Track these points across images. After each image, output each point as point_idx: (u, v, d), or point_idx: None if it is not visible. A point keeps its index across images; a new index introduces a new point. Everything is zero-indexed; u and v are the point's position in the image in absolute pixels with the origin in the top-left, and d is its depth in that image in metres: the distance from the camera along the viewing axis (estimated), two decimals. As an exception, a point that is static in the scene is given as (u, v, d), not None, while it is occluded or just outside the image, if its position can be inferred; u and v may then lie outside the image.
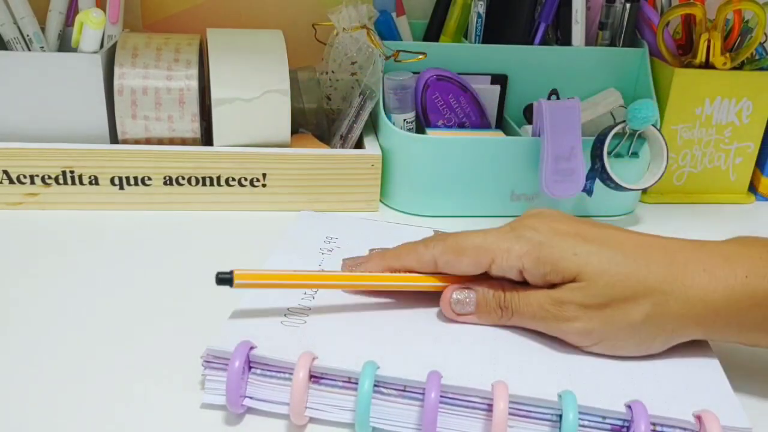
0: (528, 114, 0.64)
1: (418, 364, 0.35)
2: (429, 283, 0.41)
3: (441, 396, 0.34)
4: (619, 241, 0.38)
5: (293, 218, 0.53)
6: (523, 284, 0.39)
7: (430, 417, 0.33)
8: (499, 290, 0.39)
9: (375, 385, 0.34)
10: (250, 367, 0.36)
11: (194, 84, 0.56)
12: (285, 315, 0.39)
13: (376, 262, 0.42)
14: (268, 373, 0.35)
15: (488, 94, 0.65)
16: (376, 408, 0.34)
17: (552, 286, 0.38)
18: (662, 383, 0.36)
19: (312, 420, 0.35)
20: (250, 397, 0.35)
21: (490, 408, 0.33)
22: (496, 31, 0.66)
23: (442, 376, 0.34)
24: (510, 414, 0.33)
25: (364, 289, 0.42)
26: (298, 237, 0.49)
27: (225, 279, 0.38)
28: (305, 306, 0.40)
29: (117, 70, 0.56)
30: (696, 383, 0.36)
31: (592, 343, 0.38)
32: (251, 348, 0.35)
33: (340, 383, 0.35)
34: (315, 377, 0.35)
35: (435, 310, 0.41)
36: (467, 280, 0.40)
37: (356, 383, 0.34)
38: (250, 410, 0.36)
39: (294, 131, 0.61)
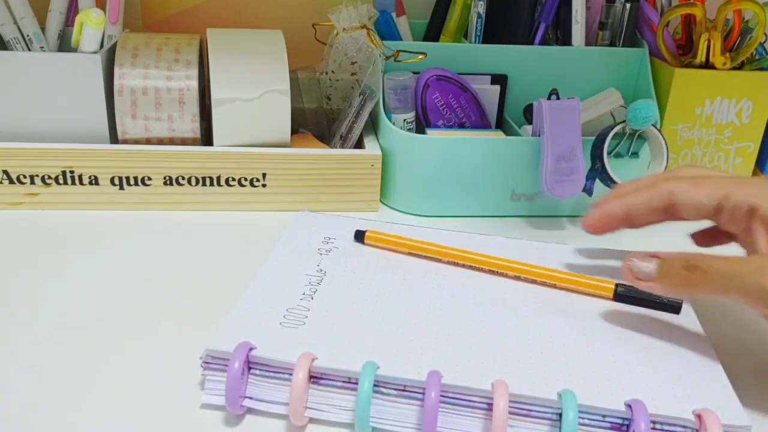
0: (528, 114, 0.64)
1: (418, 364, 0.35)
2: (587, 281, 0.43)
3: (441, 396, 0.34)
4: None
5: (292, 218, 0.53)
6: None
7: (430, 417, 0.33)
8: (685, 255, 0.37)
9: (375, 385, 0.34)
10: (249, 368, 0.36)
11: (194, 84, 0.56)
12: (284, 315, 0.39)
13: (614, 202, 0.42)
14: (268, 373, 0.35)
15: (488, 94, 0.65)
16: (376, 408, 0.34)
17: None
18: (662, 382, 0.36)
19: (312, 420, 0.35)
20: (250, 398, 0.35)
21: (490, 407, 0.33)
22: (496, 31, 0.66)
23: (442, 375, 0.34)
24: (510, 413, 0.33)
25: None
26: (296, 237, 0.49)
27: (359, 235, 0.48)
28: (305, 306, 0.40)
29: (117, 70, 0.56)
30: (696, 382, 0.36)
31: None
32: (251, 349, 0.35)
33: (340, 383, 0.35)
34: (315, 377, 0.35)
35: (435, 309, 0.41)
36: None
37: (356, 383, 0.34)
38: (249, 411, 0.36)
39: (294, 131, 0.61)
